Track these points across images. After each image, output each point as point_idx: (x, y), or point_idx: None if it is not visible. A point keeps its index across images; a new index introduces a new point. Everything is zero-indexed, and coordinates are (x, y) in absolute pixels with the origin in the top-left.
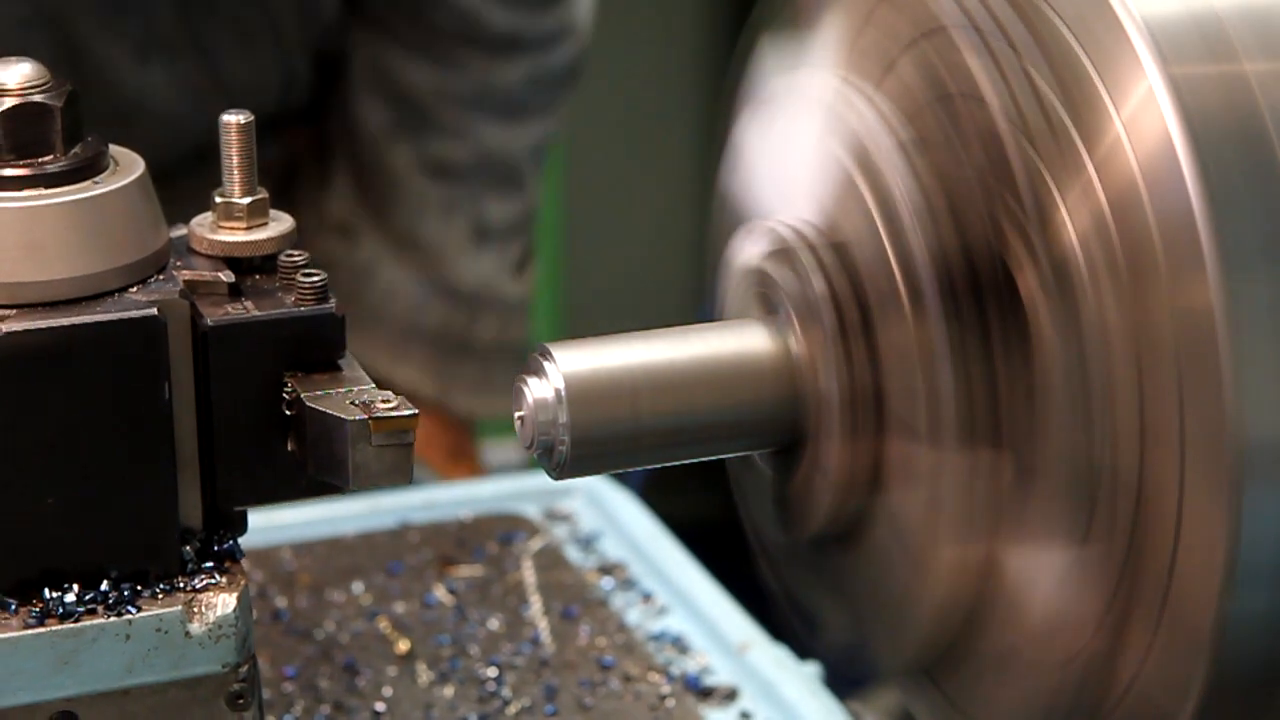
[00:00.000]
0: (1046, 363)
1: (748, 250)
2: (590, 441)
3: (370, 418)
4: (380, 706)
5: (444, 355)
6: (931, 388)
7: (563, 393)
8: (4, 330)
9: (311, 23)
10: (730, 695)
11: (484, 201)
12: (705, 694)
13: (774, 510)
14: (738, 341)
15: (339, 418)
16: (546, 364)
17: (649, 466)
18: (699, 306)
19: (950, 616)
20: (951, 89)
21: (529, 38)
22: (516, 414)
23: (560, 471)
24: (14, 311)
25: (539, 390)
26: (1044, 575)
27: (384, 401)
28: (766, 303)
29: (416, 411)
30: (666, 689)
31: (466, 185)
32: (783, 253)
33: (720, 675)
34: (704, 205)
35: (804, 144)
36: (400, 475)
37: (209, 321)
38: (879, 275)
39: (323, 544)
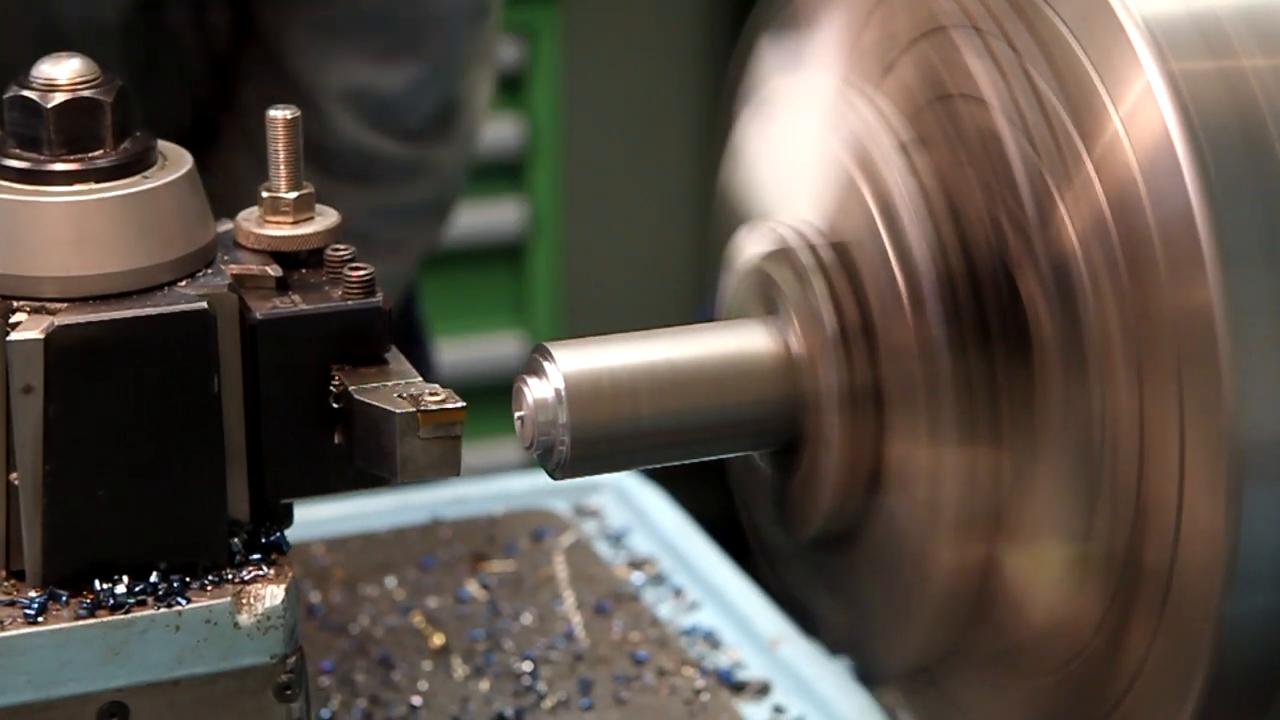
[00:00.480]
0: (1046, 361)
1: (748, 250)
2: (590, 441)
3: (419, 410)
4: (416, 700)
5: None
6: (931, 387)
7: (562, 393)
8: (56, 324)
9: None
10: (763, 690)
11: None
12: (738, 688)
13: (774, 510)
14: (738, 341)
15: (387, 410)
16: (546, 364)
17: (649, 466)
18: (699, 306)
19: (950, 616)
20: (951, 89)
21: (379, 165)
22: (517, 414)
23: (560, 471)
24: (65, 305)
25: (539, 390)
26: (1044, 575)
27: (432, 394)
28: (766, 303)
29: (464, 404)
30: (701, 683)
31: None
32: (783, 253)
33: (752, 670)
34: (704, 205)
35: (804, 144)
36: (448, 467)
37: (257, 315)
38: (879, 275)
39: (355, 539)
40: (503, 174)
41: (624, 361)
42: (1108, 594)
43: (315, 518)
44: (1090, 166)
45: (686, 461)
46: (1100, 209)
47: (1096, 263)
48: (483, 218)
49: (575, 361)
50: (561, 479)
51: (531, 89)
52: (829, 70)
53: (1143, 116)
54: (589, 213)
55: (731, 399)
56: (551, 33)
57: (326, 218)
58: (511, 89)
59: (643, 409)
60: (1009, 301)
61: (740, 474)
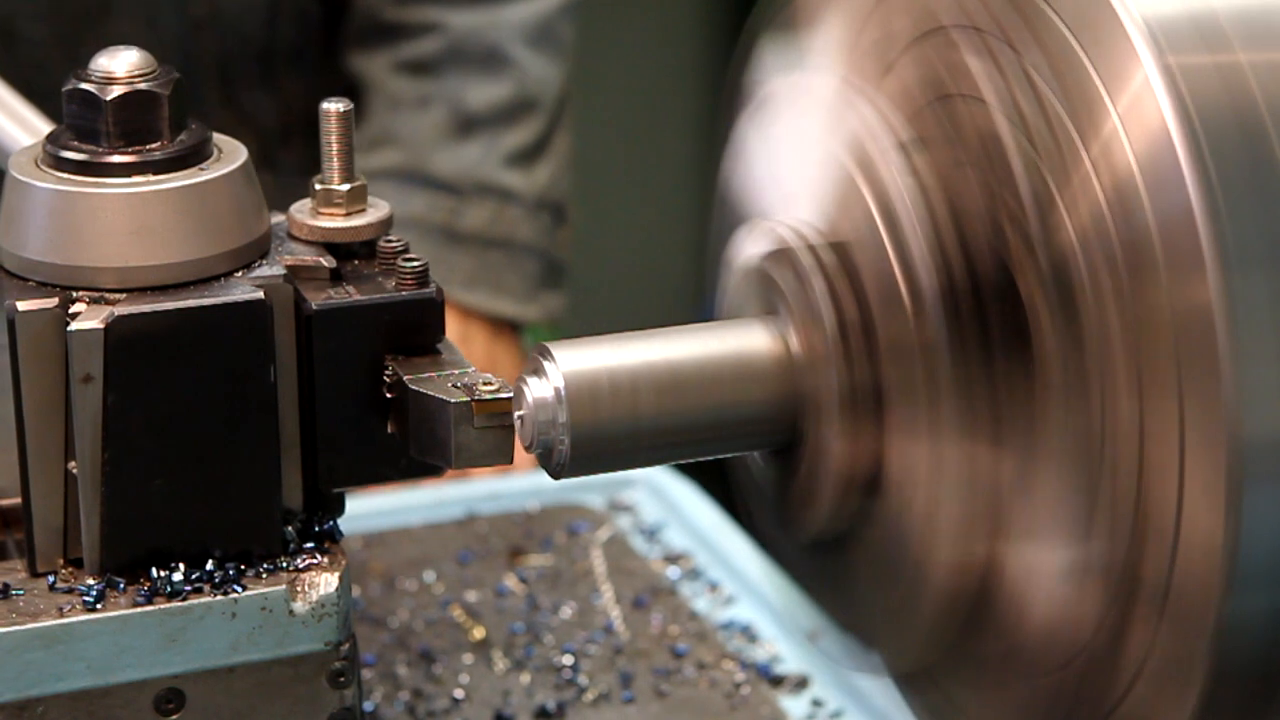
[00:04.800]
0: (1046, 361)
1: (748, 250)
2: (589, 441)
3: (473, 400)
4: (459, 693)
5: (432, 246)
6: (931, 387)
7: (562, 392)
8: (115, 314)
9: None
10: (801, 683)
11: (463, 90)
12: (776, 682)
13: (774, 510)
14: (738, 341)
15: (442, 400)
16: (546, 363)
17: (649, 466)
18: (699, 306)
19: (950, 616)
20: (951, 89)
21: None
22: (517, 414)
23: (560, 471)
24: (124, 295)
25: (539, 390)
26: (1044, 575)
27: (486, 384)
28: (766, 303)
29: None
30: (740, 676)
31: (442, 76)
32: (783, 253)
33: (790, 663)
34: (704, 205)
35: (804, 144)
36: (501, 456)
37: (313, 305)
38: (879, 275)
39: (392, 534)
40: None
41: (624, 361)
42: (1107, 594)
43: (351, 513)
44: (1089, 163)
45: (686, 461)
46: (1099, 207)
47: (1096, 262)
48: None
49: (575, 361)
50: (561, 479)
51: None
52: (829, 70)
53: (1141, 111)
54: (589, 212)
55: (731, 399)
56: None
57: (379, 209)
58: None
59: (642, 409)
60: (1009, 301)
61: (740, 474)
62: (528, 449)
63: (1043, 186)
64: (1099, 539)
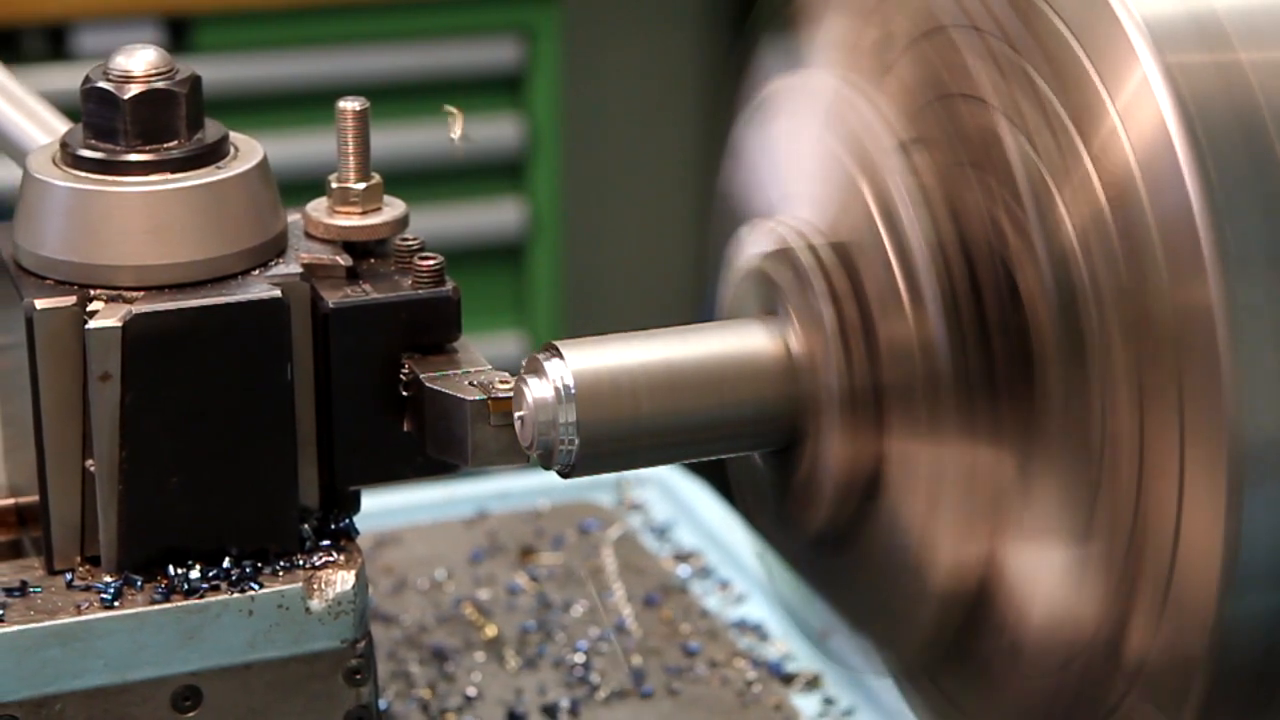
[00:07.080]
0: (1046, 361)
1: (748, 250)
2: (597, 440)
3: (489, 398)
4: (471, 691)
5: None
6: (931, 387)
7: (570, 391)
8: (133, 312)
9: None
10: (813, 682)
11: None
12: (787, 680)
13: (774, 510)
14: (738, 341)
15: (459, 398)
16: (549, 362)
17: (649, 467)
18: (699, 306)
19: (950, 616)
20: (951, 89)
21: None
22: (517, 414)
23: (568, 471)
24: (141, 294)
25: (539, 390)
26: (1044, 575)
27: (502, 382)
28: (766, 303)
29: None
30: (752, 674)
31: None
32: (783, 253)
33: (802, 662)
34: (704, 205)
35: (804, 144)
36: (517, 455)
37: (330, 303)
38: (879, 275)
39: (402, 533)
40: (503, 174)
41: (625, 361)
42: (1108, 594)
43: (362, 511)
44: (1089, 162)
45: (687, 461)
46: (1099, 206)
47: (1096, 261)
48: (483, 218)
49: (584, 360)
50: (569, 478)
51: (531, 89)
52: (829, 70)
53: (1140, 109)
54: (589, 213)
55: (731, 399)
56: (551, 33)
57: (394, 208)
58: (511, 89)
59: (643, 409)
60: (1009, 300)
61: (740, 474)
62: (527, 449)
63: (1043, 186)
64: (1099, 539)
